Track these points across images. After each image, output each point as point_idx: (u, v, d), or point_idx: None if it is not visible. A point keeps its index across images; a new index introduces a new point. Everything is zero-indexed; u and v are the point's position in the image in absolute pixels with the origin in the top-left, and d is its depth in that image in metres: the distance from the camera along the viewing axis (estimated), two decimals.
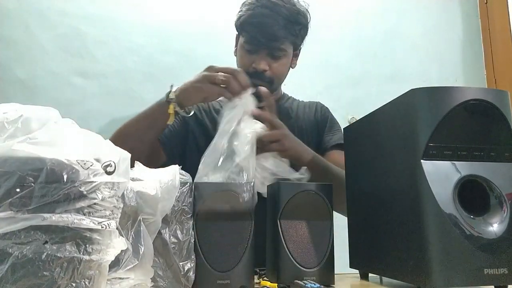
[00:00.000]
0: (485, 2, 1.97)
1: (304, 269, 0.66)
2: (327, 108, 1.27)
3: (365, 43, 1.88)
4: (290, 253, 0.67)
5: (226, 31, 1.63)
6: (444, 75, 1.90)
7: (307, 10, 1.12)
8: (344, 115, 1.79)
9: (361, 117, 0.78)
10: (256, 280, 0.70)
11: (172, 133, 1.11)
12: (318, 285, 0.61)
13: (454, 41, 1.96)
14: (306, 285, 0.61)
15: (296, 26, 1.08)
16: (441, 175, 0.58)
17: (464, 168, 0.59)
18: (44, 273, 0.36)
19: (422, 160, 0.58)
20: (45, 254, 0.36)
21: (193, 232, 0.63)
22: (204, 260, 0.62)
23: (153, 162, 0.79)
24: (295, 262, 0.66)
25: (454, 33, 1.97)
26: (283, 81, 1.19)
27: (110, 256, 0.42)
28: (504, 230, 0.57)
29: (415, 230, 0.57)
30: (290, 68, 1.19)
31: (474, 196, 0.59)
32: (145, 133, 1.00)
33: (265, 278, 0.71)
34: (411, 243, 0.58)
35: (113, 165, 0.42)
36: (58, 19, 1.56)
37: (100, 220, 0.40)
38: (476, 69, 1.96)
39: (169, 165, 0.62)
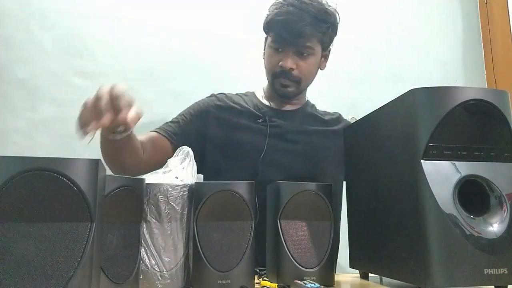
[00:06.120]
0: (485, 2, 1.97)
1: (304, 269, 0.66)
2: (348, 122, 1.25)
3: (365, 43, 1.88)
4: (290, 253, 0.67)
5: (226, 31, 1.64)
6: (444, 75, 1.90)
7: (335, 10, 1.12)
8: (344, 115, 1.79)
9: (361, 117, 0.78)
10: (256, 280, 0.70)
11: (184, 132, 1.08)
12: (318, 285, 0.60)
13: (454, 41, 1.96)
14: (306, 285, 0.61)
15: (323, 24, 1.07)
16: (441, 175, 0.58)
17: (464, 168, 0.59)
18: None
19: (422, 160, 0.58)
20: None
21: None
22: (205, 260, 0.62)
23: (162, 161, 0.79)
24: (295, 262, 0.66)
25: (454, 33, 1.97)
26: (311, 82, 1.17)
27: None
28: (504, 230, 0.57)
29: (415, 230, 0.57)
30: (319, 70, 1.17)
31: (474, 196, 0.59)
32: (120, 154, 0.93)
33: (265, 278, 0.71)
34: (411, 243, 0.58)
35: None
36: (58, 19, 1.56)
37: None
38: (476, 69, 1.96)
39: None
